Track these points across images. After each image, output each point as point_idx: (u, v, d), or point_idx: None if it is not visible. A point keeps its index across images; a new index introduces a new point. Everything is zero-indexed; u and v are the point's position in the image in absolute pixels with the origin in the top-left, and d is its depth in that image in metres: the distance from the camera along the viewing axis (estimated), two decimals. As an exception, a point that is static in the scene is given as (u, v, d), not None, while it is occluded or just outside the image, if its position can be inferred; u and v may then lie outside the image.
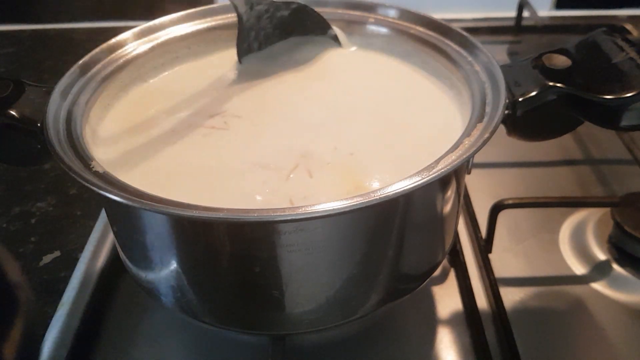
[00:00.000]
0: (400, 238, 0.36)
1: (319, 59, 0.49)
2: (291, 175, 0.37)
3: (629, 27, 0.83)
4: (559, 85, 0.37)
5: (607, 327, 0.45)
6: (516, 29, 0.87)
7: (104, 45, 0.44)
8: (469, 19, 0.90)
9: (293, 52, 0.50)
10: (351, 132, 0.41)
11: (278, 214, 0.30)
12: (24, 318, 0.18)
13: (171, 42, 0.48)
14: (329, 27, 0.47)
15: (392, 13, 0.47)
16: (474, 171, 0.58)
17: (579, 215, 0.55)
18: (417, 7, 0.46)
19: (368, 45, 0.50)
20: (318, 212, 0.30)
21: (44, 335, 0.43)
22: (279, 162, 0.38)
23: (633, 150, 0.61)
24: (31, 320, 0.19)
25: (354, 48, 0.48)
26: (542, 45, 0.58)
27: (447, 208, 0.38)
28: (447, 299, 0.48)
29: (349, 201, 0.30)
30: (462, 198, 0.42)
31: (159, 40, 0.47)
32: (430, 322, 0.46)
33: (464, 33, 0.43)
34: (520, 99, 0.37)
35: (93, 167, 0.33)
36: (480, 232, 0.52)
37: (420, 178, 0.31)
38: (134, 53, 0.45)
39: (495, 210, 0.49)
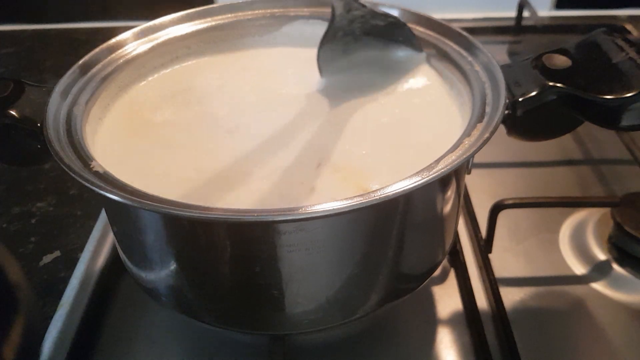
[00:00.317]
0: (400, 238, 0.36)
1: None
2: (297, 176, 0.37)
3: (629, 27, 0.83)
4: (559, 85, 0.37)
5: (607, 327, 0.45)
6: (516, 29, 0.87)
7: (104, 45, 0.44)
8: (469, 19, 0.90)
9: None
10: (352, 131, 0.41)
11: (278, 214, 0.30)
12: (24, 318, 0.18)
13: (171, 42, 0.48)
14: (421, 49, 0.46)
15: (393, 13, 0.47)
16: (474, 171, 0.58)
17: (579, 215, 0.55)
18: (417, 7, 0.46)
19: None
20: (318, 212, 0.30)
21: (44, 335, 0.43)
22: (281, 162, 0.38)
23: (633, 150, 0.61)
24: (31, 320, 0.19)
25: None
26: (542, 45, 0.58)
27: (447, 208, 0.38)
28: (447, 299, 0.48)
29: (349, 201, 0.30)
30: (462, 198, 0.42)
31: (159, 40, 0.47)
32: (430, 322, 0.46)
33: (464, 33, 0.43)
34: (520, 99, 0.37)
35: (93, 167, 0.33)
36: (480, 232, 0.52)
37: (420, 178, 0.31)
38: (134, 53, 0.45)
39: (495, 210, 0.49)
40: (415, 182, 0.31)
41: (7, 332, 0.18)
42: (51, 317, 0.45)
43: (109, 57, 0.44)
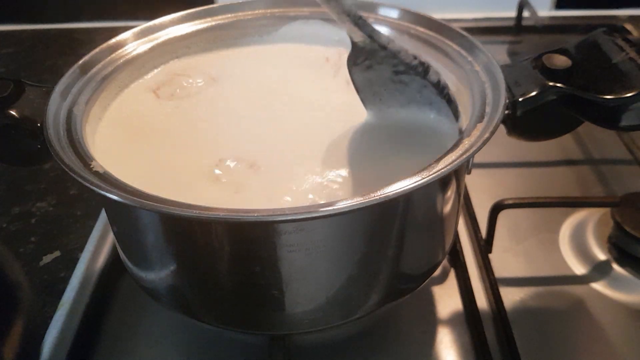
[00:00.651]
0: (400, 238, 0.36)
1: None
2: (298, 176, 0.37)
3: (629, 27, 0.83)
4: (559, 85, 0.37)
5: (607, 327, 0.45)
6: (516, 29, 0.87)
7: (104, 45, 0.44)
8: (469, 19, 0.90)
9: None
10: (351, 131, 0.41)
11: (278, 214, 0.30)
12: (24, 318, 0.18)
13: (171, 42, 0.48)
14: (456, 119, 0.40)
15: (393, 13, 0.47)
16: (474, 171, 0.58)
17: (579, 215, 0.55)
18: (417, 7, 0.46)
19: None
20: (318, 212, 0.30)
21: (44, 335, 0.43)
22: (281, 162, 0.38)
23: (633, 150, 0.62)
24: (31, 320, 0.19)
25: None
26: (542, 45, 0.58)
27: (447, 208, 0.38)
28: (447, 299, 0.48)
29: (349, 201, 0.30)
30: (462, 198, 0.42)
31: (159, 40, 0.47)
32: (430, 322, 0.46)
33: (464, 33, 0.43)
34: (520, 99, 0.37)
35: (93, 167, 0.33)
36: (480, 232, 0.52)
37: (420, 178, 0.31)
38: (134, 53, 0.45)
39: (495, 210, 0.49)
40: (415, 182, 0.31)
41: (7, 332, 0.18)
42: (51, 317, 0.45)
43: (109, 57, 0.44)
